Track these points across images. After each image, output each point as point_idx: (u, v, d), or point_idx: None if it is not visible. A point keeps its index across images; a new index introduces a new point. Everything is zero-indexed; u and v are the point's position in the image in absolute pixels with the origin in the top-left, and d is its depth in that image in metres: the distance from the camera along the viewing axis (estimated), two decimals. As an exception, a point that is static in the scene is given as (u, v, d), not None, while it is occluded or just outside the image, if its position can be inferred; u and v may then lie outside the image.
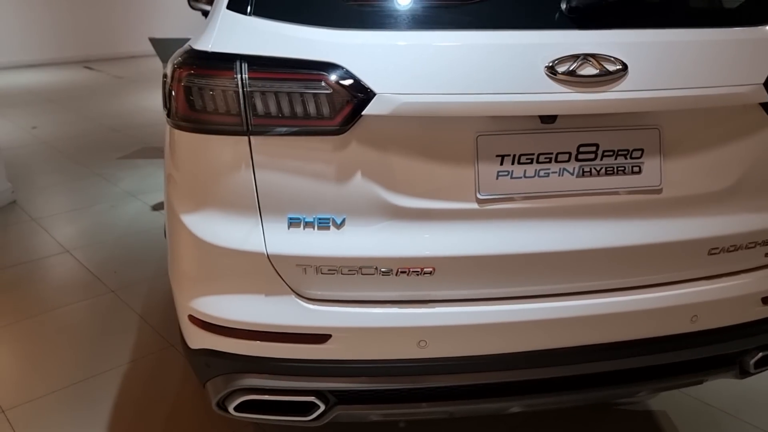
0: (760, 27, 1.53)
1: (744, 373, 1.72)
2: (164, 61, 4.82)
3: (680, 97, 1.42)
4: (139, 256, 3.47)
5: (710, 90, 1.43)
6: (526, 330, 1.50)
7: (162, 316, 2.85)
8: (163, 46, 4.74)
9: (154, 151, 5.41)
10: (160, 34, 6.03)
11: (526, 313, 1.49)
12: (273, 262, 1.42)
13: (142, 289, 3.11)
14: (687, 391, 2.33)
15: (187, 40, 1.52)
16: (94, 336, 2.73)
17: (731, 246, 1.55)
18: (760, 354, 1.68)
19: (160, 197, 4.33)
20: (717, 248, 1.54)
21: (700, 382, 1.85)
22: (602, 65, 1.36)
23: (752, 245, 1.57)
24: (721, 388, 2.33)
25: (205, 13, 3.35)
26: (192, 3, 3.53)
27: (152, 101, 7.47)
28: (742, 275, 1.60)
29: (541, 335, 1.52)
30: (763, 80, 1.46)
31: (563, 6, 1.42)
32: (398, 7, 1.45)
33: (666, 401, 2.31)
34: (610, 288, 1.53)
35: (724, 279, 1.59)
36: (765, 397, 2.32)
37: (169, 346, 2.62)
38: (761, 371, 1.74)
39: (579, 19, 1.42)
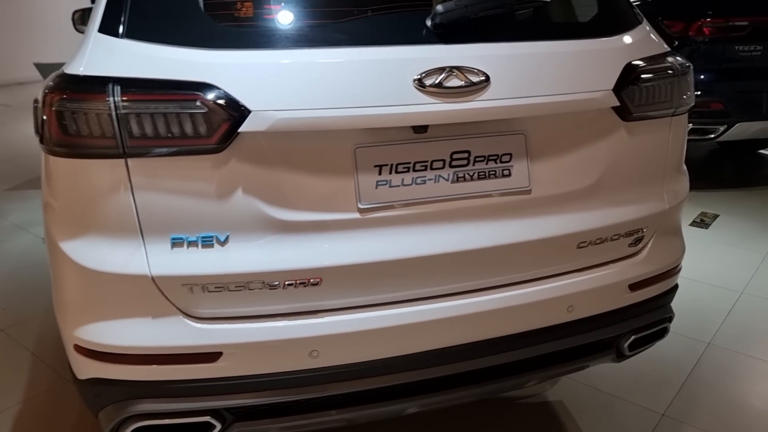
0: (608, 38, 1.68)
1: (620, 356, 1.85)
2: (51, 86, 4.62)
3: (539, 104, 1.53)
4: (31, 292, 3.29)
5: (567, 97, 1.56)
6: (415, 332, 1.55)
7: (56, 352, 2.72)
8: (49, 71, 4.55)
9: (45, 181, 5.15)
10: (47, 59, 5.78)
11: (414, 315, 1.54)
12: (158, 284, 1.41)
13: (34, 325, 2.95)
14: (580, 379, 2.46)
15: None
16: (-17, 378, 2.57)
17: (597, 239, 1.68)
18: (633, 337, 1.82)
19: (52, 228, 4.13)
20: (585, 242, 1.66)
21: (583, 368, 1.98)
22: (466, 77, 1.45)
23: (616, 237, 1.71)
24: (611, 373, 2.48)
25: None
26: (78, 26, 3.44)
27: (43, 129, 7.10)
28: (610, 265, 1.73)
29: (430, 336, 1.58)
30: (612, 86, 1.61)
31: (429, 22, 1.51)
32: (271, 26, 1.49)
33: (561, 391, 2.43)
34: (491, 285, 1.61)
35: (594, 270, 1.71)
36: (649, 378, 2.50)
37: (65, 382, 2.50)
38: (636, 353, 1.88)
39: (444, 34, 1.51)
